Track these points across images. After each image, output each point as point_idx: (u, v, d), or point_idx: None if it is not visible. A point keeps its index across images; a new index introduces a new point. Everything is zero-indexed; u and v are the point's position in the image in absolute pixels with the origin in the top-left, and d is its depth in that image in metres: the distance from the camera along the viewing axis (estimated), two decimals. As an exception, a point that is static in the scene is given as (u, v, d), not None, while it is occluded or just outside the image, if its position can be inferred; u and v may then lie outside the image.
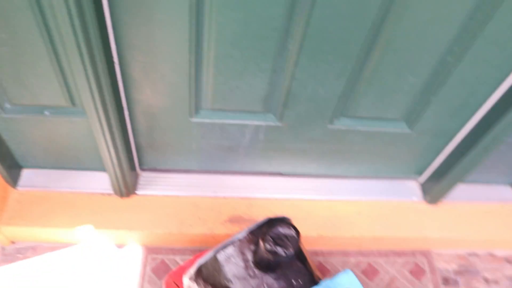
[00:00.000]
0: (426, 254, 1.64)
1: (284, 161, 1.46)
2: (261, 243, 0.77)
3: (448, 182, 1.48)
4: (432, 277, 1.60)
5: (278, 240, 0.76)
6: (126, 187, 1.37)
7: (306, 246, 0.93)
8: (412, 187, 1.63)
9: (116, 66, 1.04)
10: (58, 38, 0.88)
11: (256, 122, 1.25)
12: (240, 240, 0.86)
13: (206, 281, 0.87)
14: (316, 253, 1.55)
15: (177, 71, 1.07)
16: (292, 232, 0.78)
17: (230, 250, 0.86)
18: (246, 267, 0.84)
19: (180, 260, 1.46)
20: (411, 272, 1.59)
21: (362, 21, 0.96)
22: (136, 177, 1.45)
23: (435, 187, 1.52)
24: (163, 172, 1.48)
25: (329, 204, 1.51)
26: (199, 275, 0.88)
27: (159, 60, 1.04)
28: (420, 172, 1.61)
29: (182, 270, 1.11)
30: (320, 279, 0.90)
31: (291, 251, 0.76)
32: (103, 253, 1.43)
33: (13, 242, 1.42)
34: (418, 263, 1.62)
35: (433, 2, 0.93)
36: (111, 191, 1.41)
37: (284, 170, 1.52)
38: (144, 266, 1.43)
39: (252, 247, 0.86)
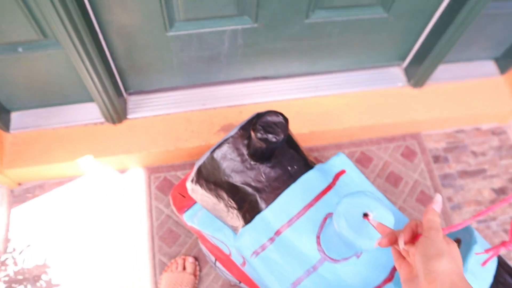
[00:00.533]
0: (415, 136, 1.71)
1: (267, 64, 1.46)
2: (252, 133, 0.79)
3: (430, 64, 1.49)
4: (423, 157, 1.68)
5: (268, 128, 0.79)
6: (117, 113, 1.39)
7: (300, 143, 0.96)
8: (396, 73, 1.65)
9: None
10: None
11: (232, 27, 1.24)
12: (233, 137, 0.88)
13: (207, 180, 0.90)
14: (311, 150, 1.61)
15: (143, -17, 1.04)
16: (280, 118, 0.80)
17: (225, 147, 0.88)
18: (242, 160, 0.87)
19: (181, 175, 1.52)
20: (402, 155, 1.67)
21: None
22: (124, 102, 1.47)
23: (418, 71, 1.55)
24: (150, 93, 1.49)
25: (317, 101, 1.54)
26: (200, 176, 0.91)
27: (122, -26, 1.00)
28: (403, 58, 1.62)
29: (185, 181, 1.14)
30: (314, 163, 0.93)
31: (281, 136, 0.79)
32: (107, 180, 1.49)
33: (20, 184, 1.47)
34: (409, 146, 1.69)
35: None
36: (103, 120, 1.43)
37: (269, 73, 1.53)
38: (149, 185, 1.50)
39: (245, 141, 0.88)
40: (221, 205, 0.90)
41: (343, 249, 0.76)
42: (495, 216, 1.64)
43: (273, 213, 0.84)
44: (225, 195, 0.88)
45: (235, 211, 0.88)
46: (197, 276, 1.34)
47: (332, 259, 0.81)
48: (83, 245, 1.39)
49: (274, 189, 0.86)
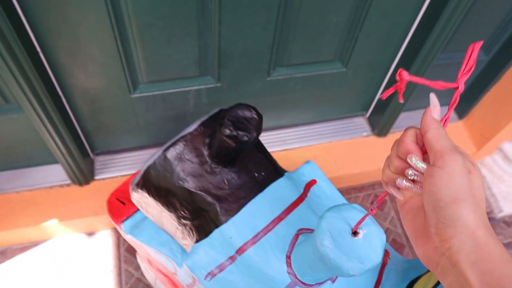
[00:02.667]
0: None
1: (234, 121, 1.48)
2: (218, 129, 0.65)
3: (392, 112, 1.55)
4: (393, 204, 1.70)
5: (239, 124, 0.65)
6: (83, 175, 1.37)
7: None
8: (360, 123, 1.70)
9: (40, 55, 1.02)
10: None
11: (196, 87, 1.27)
12: (191, 134, 0.74)
13: (156, 185, 0.75)
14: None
15: (104, 50, 1.06)
16: (253, 114, 0.67)
17: (181, 146, 0.73)
18: (202, 163, 0.73)
19: (151, 234, 1.49)
20: (372, 203, 1.68)
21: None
22: (91, 163, 1.45)
23: (381, 120, 1.59)
24: (118, 153, 1.49)
25: (284, 154, 1.56)
26: (148, 179, 0.76)
27: (83, 42, 1.02)
28: (366, 108, 1.67)
29: (126, 185, 0.99)
30: (284, 171, 0.82)
31: (253, 134, 0.66)
32: (74, 244, 1.45)
33: (-20, 251, 1.42)
34: (378, 194, 1.71)
35: None
36: (69, 181, 1.41)
37: (236, 130, 1.54)
38: (118, 248, 1.46)
39: (207, 140, 0.74)
40: (171, 216, 0.77)
41: (320, 273, 0.63)
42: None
43: (235, 227, 0.72)
44: (177, 204, 0.75)
45: (189, 224, 0.75)
46: None
47: (304, 283, 0.68)
48: (47, 315, 1.32)
49: (237, 199, 0.73)
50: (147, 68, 1.16)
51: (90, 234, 1.47)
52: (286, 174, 0.80)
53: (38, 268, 1.39)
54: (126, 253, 1.44)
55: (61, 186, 1.42)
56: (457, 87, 0.40)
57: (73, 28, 0.98)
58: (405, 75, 0.40)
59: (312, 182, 0.82)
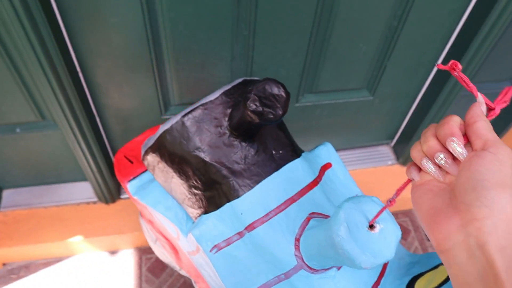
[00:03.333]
0: (407, 214, 1.71)
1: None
2: (244, 103, 0.62)
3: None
4: (417, 234, 1.67)
5: (265, 100, 0.62)
6: (110, 193, 1.40)
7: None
8: (385, 152, 1.69)
9: (79, 74, 1.06)
10: (17, 54, 0.90)
11: None
12: (212, 102, 0.71)
13: (171, 150, 0.73)
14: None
15: (140, 71, 1.10)
16: (281, 91, 0.63)
17: (200, 113, 0.70)
18: (220, 134, 0.71)
19: (173, 255, 1.49)
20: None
21: (308, -3, 1.01)
22: (118, 181, 1.48)
23: (406, 149, 1.59)
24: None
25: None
26: (163, 143, 0.73)
27: (120, 63, 1.06)
28: (391, 137, 1.67)
29: (138, 144, 0.96)
30: (301, 151, 0.79)
31: (279, 112, 0.63)
32: (97, 262, 1.46)
33: (4, 264, 1.44)
34: (401, 224, 1.69)
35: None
36: (96, 199, 1.44)
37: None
38: (140, 267, 1.46)
39: (228, 110, 0.71)
40: (181, 184, 0.75)
41: (328, 260, 0.61)
42: None
43: (247, 204, 0.69)
44: (190, 172, 0.73)
45: (199, 193, 0.73)
46: None
47: (310, 268, 0.66)
48: (67, 332, 1.32)
49: (252, 175, 0.71)
50: (179, 90, 1.19)
51: (113, 252, 1.48)
52: (303, 154, 0.78)
53: (60, 284, 1.40)
54: (147, 273, 1.45)
55: (88, 203, 1.44)
56: (494, 108, 0.41)
57: (112, 49, 1.02)
58: (459, 66, 0.41)
59: (327, 165, 0.80)
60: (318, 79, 1.26)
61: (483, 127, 0.39)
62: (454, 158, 0.40)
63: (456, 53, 1.22)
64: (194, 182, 0.73)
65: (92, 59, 1.04)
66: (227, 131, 0.71)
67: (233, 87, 0.73)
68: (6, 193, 1.44)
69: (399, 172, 1.65)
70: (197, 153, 0.71)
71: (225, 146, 0.70)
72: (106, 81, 1.11)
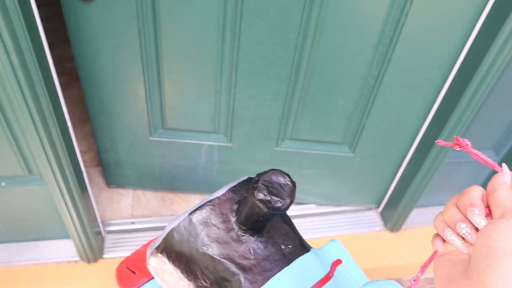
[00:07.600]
0: (397, 282, 1.67)
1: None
2: (252, 193, 0.64)
3: (404, 208, 1.55)
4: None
5: (272, 189, 0.64)
6: (93, 252, 1.36)
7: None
8: (373, 217, 1.69)
9: (70, 130, 1.08)
10: (10, 108, 0.92)
11: (209, 142, 1.38)
12: (219, 199, 0.73)
13: (178, 250, 0.72)
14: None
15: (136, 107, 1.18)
16: (287, 180, 0.65)
17: (208, 210, 0.72)
18: (228, 229, 0.71)
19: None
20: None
21: (285, 45, 1.10)
22: (102, 240, 1.45)
23: (394, 215, 1.59)
24: (129, 233, 1.49)
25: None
26: (170, 242, 0.73)
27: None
28: (378, 202, 1.68)
29: (138, 254, 0.98)
30: (310, 247, 0.79)
31: (287, 201, 0.64)
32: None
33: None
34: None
35: (344, 28, 1.07)
36: (78, 258, 1.40)
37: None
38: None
39: (235, 206, 0.73)
40: (189, 285, 0.74)
41: None
42: None
43: None
44: (198, 272, 0.72)
45: None
46: None
47: None
48: None
49: (263, 271, 0.70)
50: (168, 116, 1.28)
51: (93, 314, 1.41)
52: (312, 249, 0.78)
53: None
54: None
55: (69, 262, 1.40)
56: None
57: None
58: (467, 143, 0.43)
59: (338, 262, 0.80)
60: (298, 126, 1.33)
61: (503, 196, 0.39)
62: (476, 229, 0.40)
63: (437, 122, 1.27)
64: (203, 282, 0.72)
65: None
66: (235, 226, 0.71)
67: (239, 183, 0.75)
68: (-16, 249, 1.40)
69: (387, 238, 1.63)
70: (205, 249, 0.70)
71: (233, 241, 0.70)
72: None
